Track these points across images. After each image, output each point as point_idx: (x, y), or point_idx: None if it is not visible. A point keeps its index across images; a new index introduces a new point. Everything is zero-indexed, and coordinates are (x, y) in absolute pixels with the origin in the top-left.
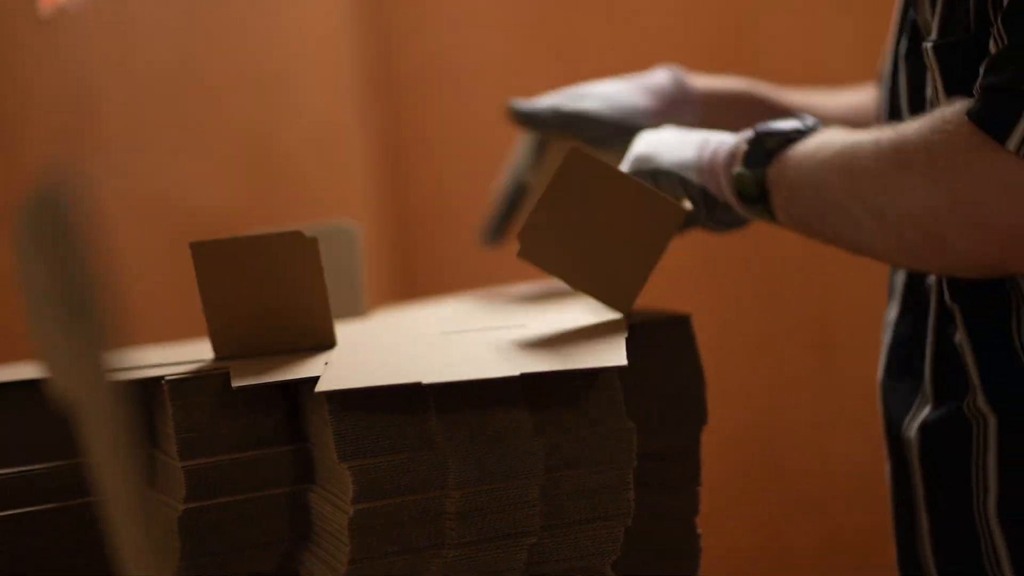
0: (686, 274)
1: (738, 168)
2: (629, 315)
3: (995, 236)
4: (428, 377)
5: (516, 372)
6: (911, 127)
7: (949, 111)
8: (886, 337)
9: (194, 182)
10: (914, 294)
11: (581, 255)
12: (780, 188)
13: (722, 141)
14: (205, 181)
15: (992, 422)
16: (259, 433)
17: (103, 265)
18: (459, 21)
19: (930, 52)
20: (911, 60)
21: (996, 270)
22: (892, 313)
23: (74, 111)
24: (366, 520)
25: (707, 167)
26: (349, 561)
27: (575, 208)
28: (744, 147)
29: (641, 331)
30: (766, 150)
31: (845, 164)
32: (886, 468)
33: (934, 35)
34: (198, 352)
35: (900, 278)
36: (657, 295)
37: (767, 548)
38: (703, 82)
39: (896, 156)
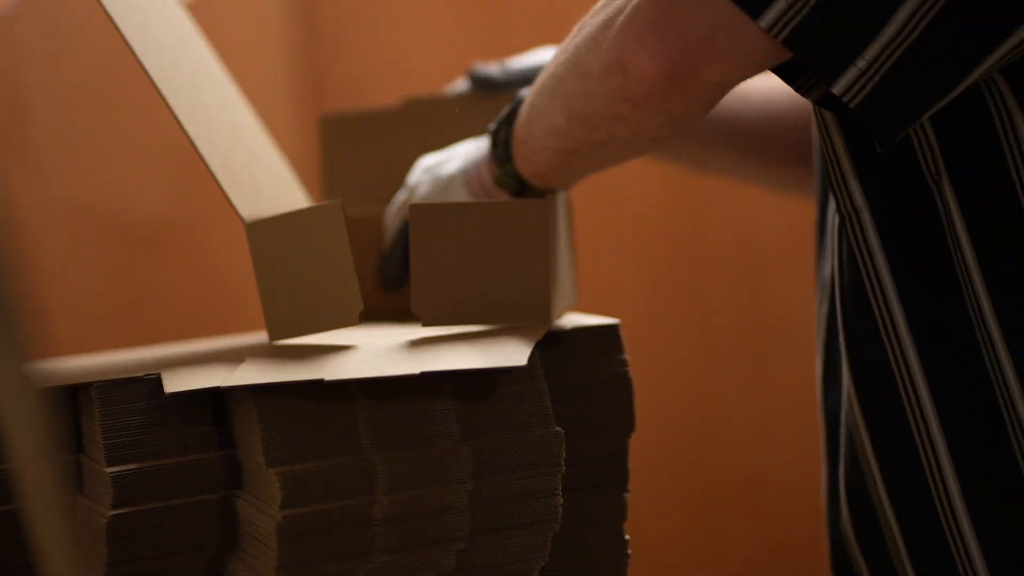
0: (619, 279)
1: (496, 172)
2: (551, 323)
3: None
4: (348, 374)
5: (416, 371)
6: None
7: None
8: (819, 332)
9: (126, 186)
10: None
11: (479, 294)
12: (522, 156)
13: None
14: (137, 185)
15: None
16: (188, 439)
17: (23, 272)
18: (391, 31)
19: None
20: None
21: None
22: (823, 307)
23: (1, 116)
24: (293, 526)
25: (475, 184)
26: (276, 567)
27: (446, 257)
28: (488, 151)
29: (569, 337)
30: (504, 141)
31: (547, 76)
32: (823, 467)
33: None
34: (127, 358)
35: (826, 271)
36: (590, 301)
37: (698, 553)
38: None
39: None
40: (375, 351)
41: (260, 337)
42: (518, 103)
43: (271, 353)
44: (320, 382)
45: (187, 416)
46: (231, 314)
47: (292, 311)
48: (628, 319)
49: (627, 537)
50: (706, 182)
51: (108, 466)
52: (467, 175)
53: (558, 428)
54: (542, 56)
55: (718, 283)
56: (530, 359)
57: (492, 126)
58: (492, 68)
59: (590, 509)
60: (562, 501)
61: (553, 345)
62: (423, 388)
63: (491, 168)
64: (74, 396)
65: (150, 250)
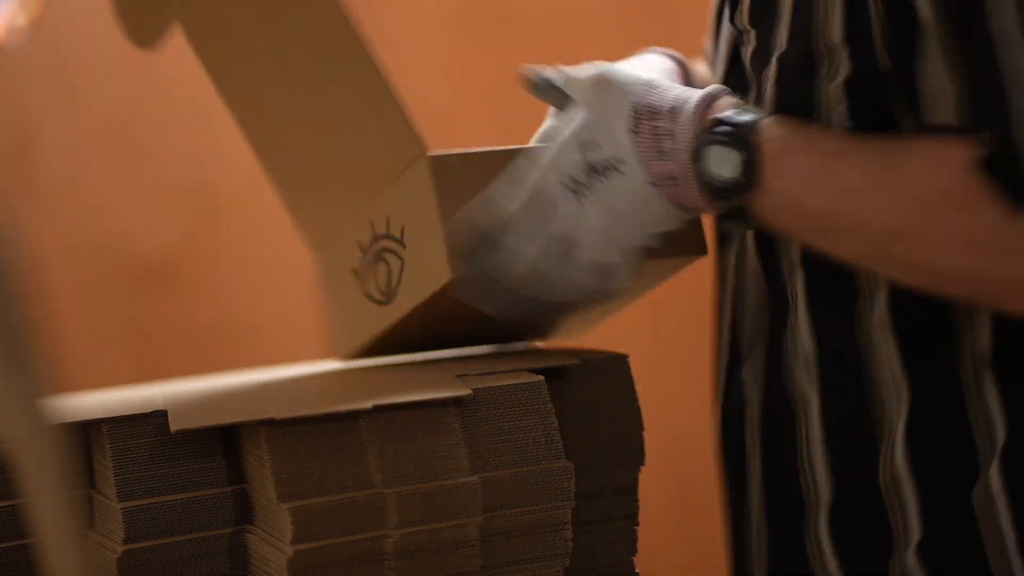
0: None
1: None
2: (568, 349)
3: None
4: (360, 404)
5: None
6: (918, 167)
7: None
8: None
9: (135, 221)
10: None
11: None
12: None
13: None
14: (146, 220)
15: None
16: (198, 474)
17: (35, 309)
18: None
19: (836, 88)
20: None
21: None
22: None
23: (11, 151)
24: (304, 561)
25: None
26: None
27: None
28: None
29: (578, 371)
30: (744, 138)
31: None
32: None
33: (838, 70)
34: (137, 395)
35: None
36: (594, 334)
37: None
38: (702, 70)
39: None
40: (381, 381)
41: (269, 372)
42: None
43: (280, 387)
44: (329, 415)
45: (197, 451)
46: (241, 348)
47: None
48: (633, 352)
49: (638, 572)
50: None
51: (120, 502)
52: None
53: (568, 462)
54: (598, 67)
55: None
56: (539, 392)
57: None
58: (553, 75)
59: (601, 543)
60: (572, 535)
61: (561, 378)
62: (432, 422)
63: (707, 181)
64: (85, 432)
65: (159, 285)
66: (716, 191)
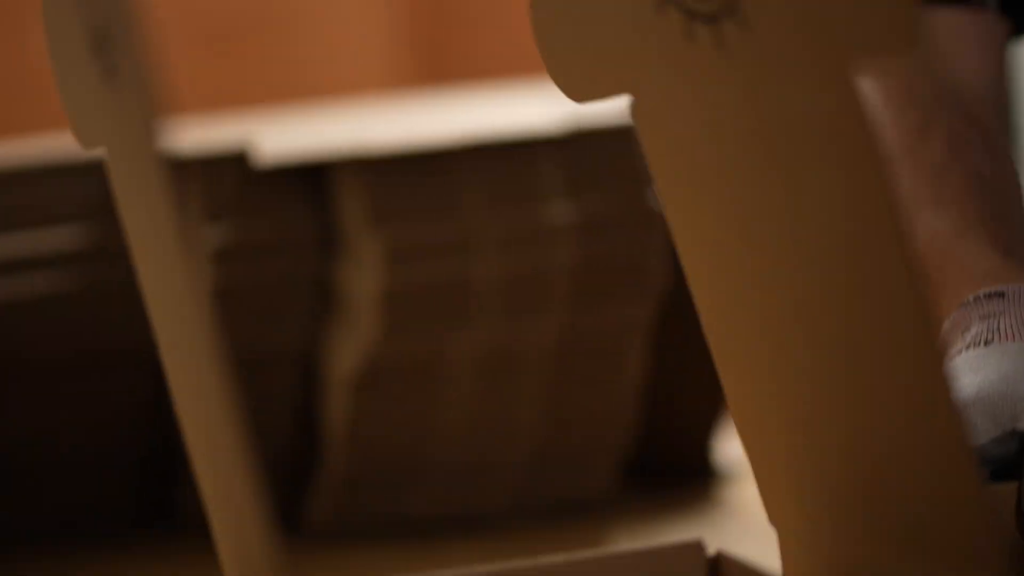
0: None
1: None
2: None
3: None
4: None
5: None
6: None
7: None
8: None
9: None
10: None
11: None
12: None
13: None
14: None
15: None
16: (286, 208)
17: (141, 20)
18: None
19: None
20: None
21: None
22: None
23: None
24: (393, 291)
25: None
26: (376, 334)
27: None
28: None
29: None
30: None
31: None
32: None
33: None
34: (222, 132)
35: None
36: None
37: None
38: None
39: None
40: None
41: (355, 112)
42: None
43: (372, 125)
44: (424, 148)
45: (285, 185)
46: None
47: None
48: None
49: None
50: None
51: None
52: None
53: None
54: None
55: None
56: (632, 139)
57: None
58: None
59: None
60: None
61: None
62: (527, 153)
63: None
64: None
65: (231, 48)
66: None
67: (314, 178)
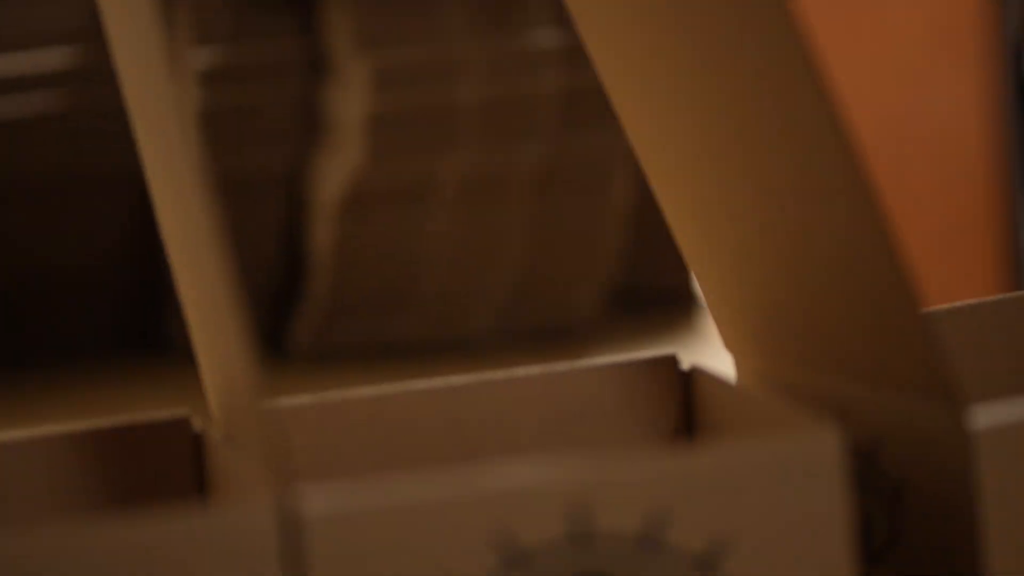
0: None
1: None
2: None
3: None
4: None
5: None
6: None
7: None
8: None
9: None
10: None
11: None
12: None
13: None
14: None
15: None
16: (271, 26)
17: None
18: None
19: None
20: None
21: None
22: None
23: None
24: (379, 114)
25: None
26: (360, 159)
27: None
28: None
29: None
30: None
31: None
32: None
33: None
34: None
35: None
36: None
37: None
38: None
39: None
40: None
41: None
42: None
43: None
44: None
45: (274, 10)
46: None
47: None
48: None
49: None
50: None
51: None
52: None
53: None
54: None
55: None
56: None
57: None
58: None
59: None
60: None
61: None
62: None
63: None
64: None
65: None
66: None
67: (302, 1)
